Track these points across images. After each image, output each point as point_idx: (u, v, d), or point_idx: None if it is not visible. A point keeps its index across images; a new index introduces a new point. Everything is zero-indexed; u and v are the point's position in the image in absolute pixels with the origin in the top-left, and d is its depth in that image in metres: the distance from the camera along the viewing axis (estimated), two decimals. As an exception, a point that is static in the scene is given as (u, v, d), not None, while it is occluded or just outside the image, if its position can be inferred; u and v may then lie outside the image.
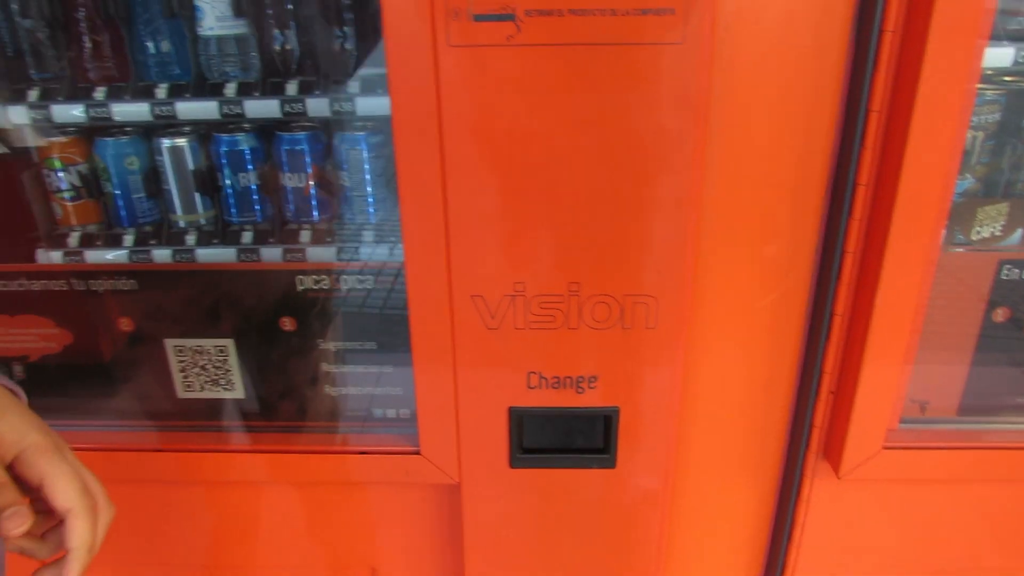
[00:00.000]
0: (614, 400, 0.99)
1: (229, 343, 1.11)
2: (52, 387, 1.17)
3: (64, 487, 0.60)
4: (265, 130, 1.18)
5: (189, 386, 1.14)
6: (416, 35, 0.82)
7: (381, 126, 1.19)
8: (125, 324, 1.12)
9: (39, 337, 1.15)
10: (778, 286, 0.98)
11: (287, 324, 1.12)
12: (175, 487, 1.11)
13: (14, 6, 1.10)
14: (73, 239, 1.20)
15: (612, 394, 0.99)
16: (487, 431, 1.02)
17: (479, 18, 0.81)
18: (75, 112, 1.11)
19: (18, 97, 1.11)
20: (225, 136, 1.17)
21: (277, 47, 1.13)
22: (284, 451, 1.08)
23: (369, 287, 1.12)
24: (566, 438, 1.02)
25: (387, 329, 1.12)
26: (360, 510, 1.14)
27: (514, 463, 1.03)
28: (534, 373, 0.98)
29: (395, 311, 1.10)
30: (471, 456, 1.04)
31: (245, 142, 1.17)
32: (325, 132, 1.19)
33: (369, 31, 1.12)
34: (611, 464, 1.03)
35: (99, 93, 1.12)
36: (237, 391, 1.14)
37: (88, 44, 1.12)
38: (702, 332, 0.99)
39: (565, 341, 0.96)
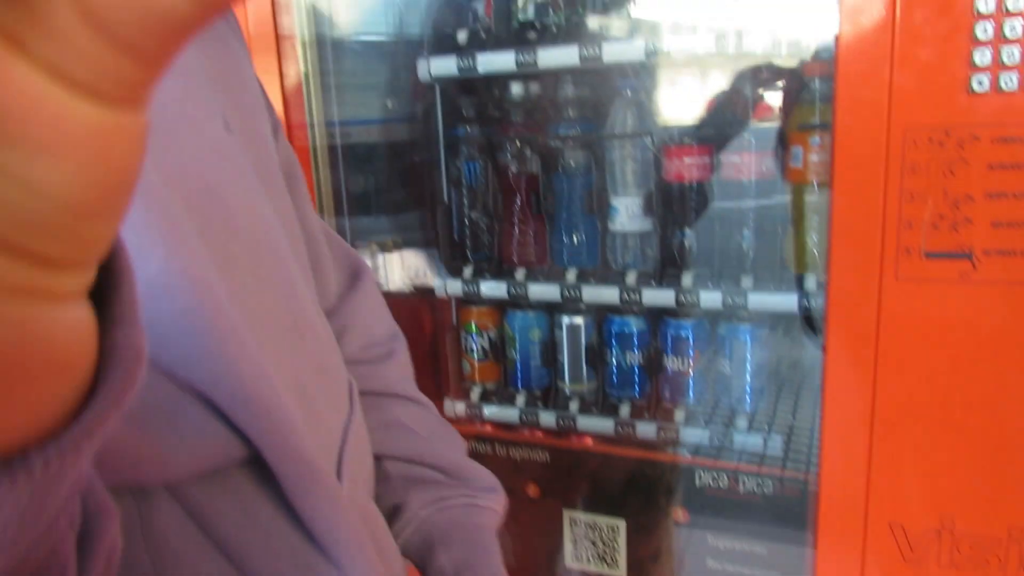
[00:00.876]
0: (1059, 672, 0.85)
1: (621, 524, 1.17)
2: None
3: None
4: (654, 314, 1.28)
5: (577, 557, 1.21)
6: (862, 267, 0.84)
7: (768, 320, 1.22)
8: (531, 488, 1.24)
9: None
10: None
11: (677, 514, 1.15)
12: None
13: (466, 200, 1.35)
14: (475, 394, 1.38)
15: (1058, 665, 0.85)
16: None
17: (931, 256, 0.81)
18: (499, 289, 1.30)
19: (457, 272, 1.34)
20: (618, 318, 1.28)
21: (676, 242, 1.23)
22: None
23: (757, 487, 1.11)
24: None
25: (774, 531, 1.10)
26: None
27: None
28: (955, 619, 0.88)
29: (784, 510, 1.08)
30: None
31: (635, 324, 1.27)
32: (711, 320, 1.25)
33: (766, 234, 1.18)
34: None
35: (519, 274, 1.30)
36: (620, 571, 1.18)
37: (517, 233, 1.32)
38: None
39: (1000, 591, 0.85)
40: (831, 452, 0.90)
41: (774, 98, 1.15)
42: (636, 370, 1.28)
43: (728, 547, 1.11)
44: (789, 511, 1.05)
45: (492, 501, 0.63)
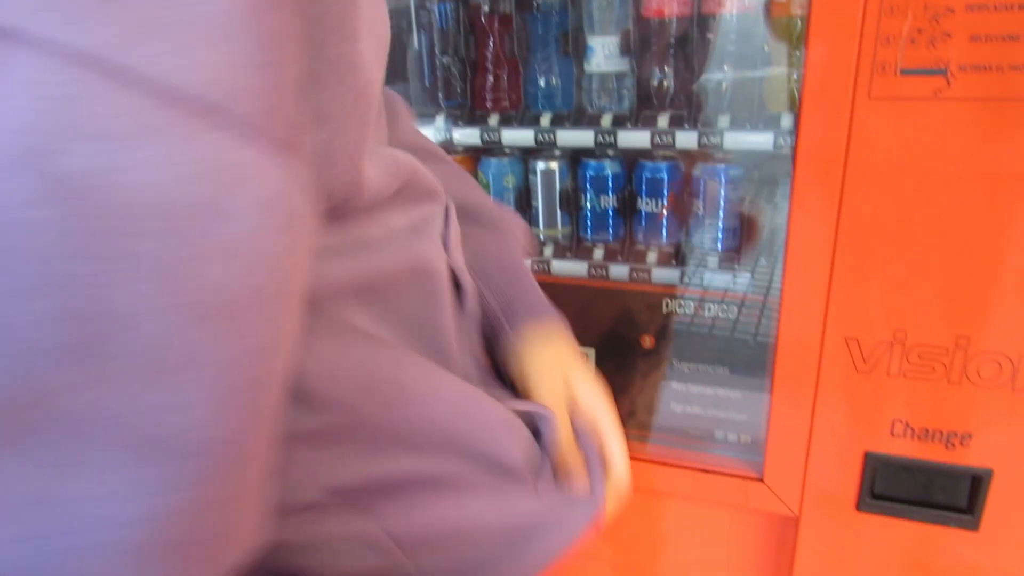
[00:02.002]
0: (988, 462, 0.95)
1: (591, 351, 1.23)
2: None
3: None
4: (629, 157, 1.29)
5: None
6: (836, 85, 0.85)
7: (741, 159, 1.24)
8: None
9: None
10: None
11: (644, 341, 1.21)
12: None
13: (437, 44, 1.31)
14: (451, 242, 1.39)
15: (987, 455, 0.95)
16: (837, 471, 1.02)
17: (907, 72, 0.82)
18: (472, 136, 1.29)
19: (428, 121, 1.33)
20: (593, 162, 1.29)
21: (654, 83, 1.23)
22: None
23: (721, 313, 1.18)
24: (924, 491, 1.00)
25: (738, 354, 1.17)
26: (689, 526, 1.20)
27: (861, 506, 1.03)
28: (900, 421, 0.97)
29: (745, 337, 1.15)
30: (816, 492, 1.05)
31: (610, 168, 1.28)
32: (685, 162, 1.26)
33: (746, 71, 1.18)
34: (973, 527, 0.98)
35: (493, 120, 1.29)
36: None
37: (490, 77, 1.30)
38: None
39: (942, 395, 0.94)
40: (794, 270, 0.94)
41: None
42: (610, 214, 1.31)
43: (692, 368, 1.18)
44: (751, 331, 1.13)
45: (513, 227, 0.65)
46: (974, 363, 0.91)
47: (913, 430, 0.97)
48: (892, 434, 0.98)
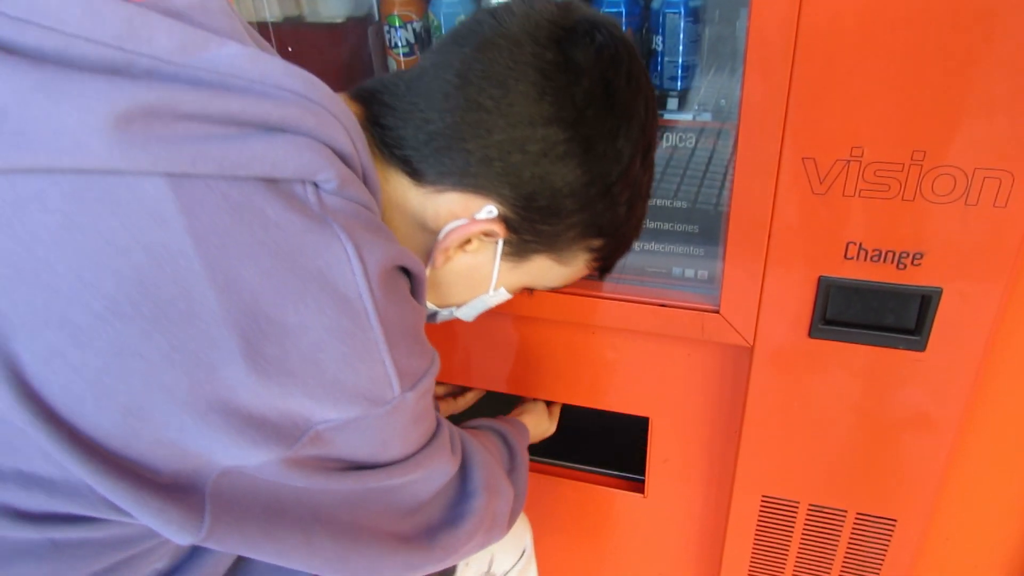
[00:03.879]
0: (938, 280, 0.95)
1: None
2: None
3: None
4: (586, -8, 1.22)
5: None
6: None
7: (702, -11, 1.18)
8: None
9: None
10: None
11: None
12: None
13: None
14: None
15: (938, 274, 0.95)
16: (791, 298, 1.03)
17: None
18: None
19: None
20: (549, -4, 1.22)
21: (611, -95, 1.14)
22: (585, 295, 1.17)
23: (679, 143, 1.15)
24: (875, 314, 1.01)
25: (695, 187, 1.15)
26: (646, 360, 1.22)
27: (813, 333, 1.04)
28: (854, 243, 0.97)
29: (700, 174, 1.13)
30: (770, 321, 1.06)
31: (567, 3, 1.21)
32: (644, -4, 1.20)
33: None
34: (920, 347, 1.00)
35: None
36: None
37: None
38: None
39: (896, 213, 0.93)
40: (752, 88, 0.91)
41: None
42: (568, 54, 1.25)
43: (650, 205, 1.17)
44: (708, 154, 1.11)
45: None
46: (929, 178, 0.90)
47: (867, 252, 0.97)
48: (846, 257, 0.98)
